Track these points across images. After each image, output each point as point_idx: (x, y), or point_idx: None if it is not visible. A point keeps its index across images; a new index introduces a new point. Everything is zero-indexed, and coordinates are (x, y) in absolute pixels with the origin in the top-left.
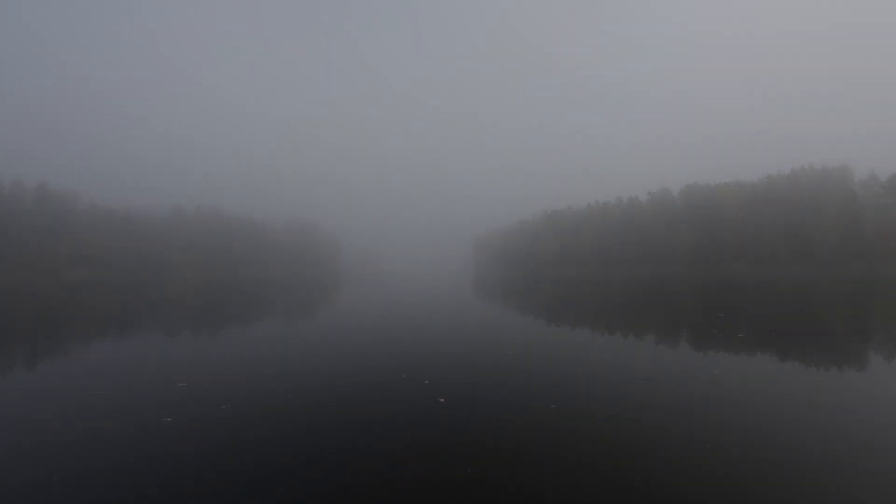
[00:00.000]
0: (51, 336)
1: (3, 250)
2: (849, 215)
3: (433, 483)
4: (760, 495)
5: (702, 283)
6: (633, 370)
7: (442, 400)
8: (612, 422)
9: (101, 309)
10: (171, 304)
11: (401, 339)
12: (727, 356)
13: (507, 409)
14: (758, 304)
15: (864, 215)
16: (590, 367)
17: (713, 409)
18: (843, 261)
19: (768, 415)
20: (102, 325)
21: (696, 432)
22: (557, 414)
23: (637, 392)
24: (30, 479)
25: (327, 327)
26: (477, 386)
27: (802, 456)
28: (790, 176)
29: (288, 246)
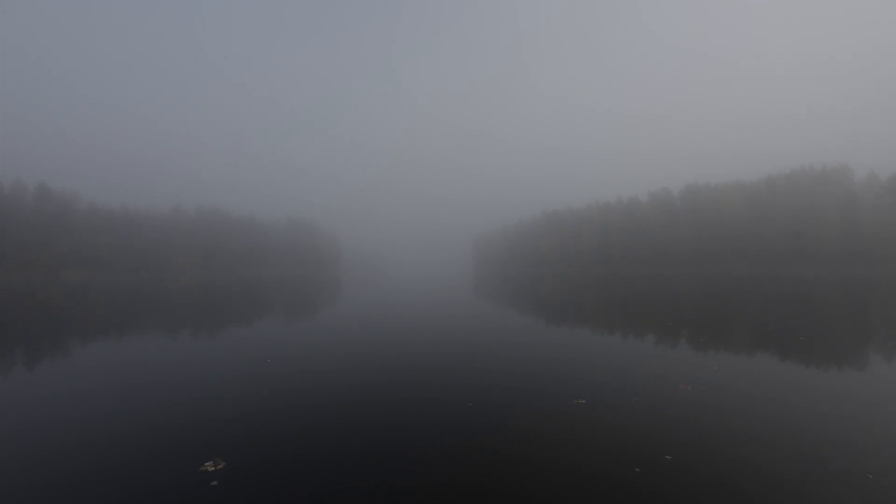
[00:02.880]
0: (47, 338)
1: (2, 250)
2: (849, 215)
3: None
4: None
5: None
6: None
7: (471, 404)
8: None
9: (101, 310)
10: (171, 305)
11: (403, 341)
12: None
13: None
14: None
15: (864, 215)
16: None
17: None
18: (843, 261)
19: None
20: (103, 327)
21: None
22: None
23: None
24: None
25: (336, 329)
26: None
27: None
28: (790, 176)
29: (288, 246)
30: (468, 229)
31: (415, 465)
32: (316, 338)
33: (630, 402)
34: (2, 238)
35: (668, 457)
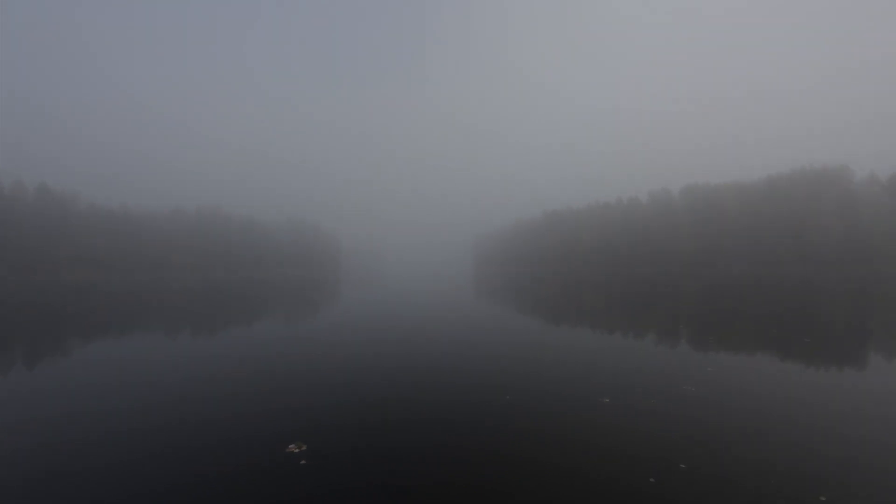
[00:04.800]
0: (42, 339)
1: (2, 251)
2: (849, 215)
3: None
4: None
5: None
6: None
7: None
8: None
9: (101, 310)
10: (171, 305)
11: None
12: None
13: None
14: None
15: (864, 215)
16: None
17: None
18: (844, 261)
19: None
20: (103, 327)
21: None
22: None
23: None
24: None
25: (336, 329)
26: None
27: None
28: (790, 176)
29: (288, 246)
30: (468, 229)
31: (415, 465)
32: (315, 339)
33: (641, 403)
34: (2, 239)
35: (682, 465)
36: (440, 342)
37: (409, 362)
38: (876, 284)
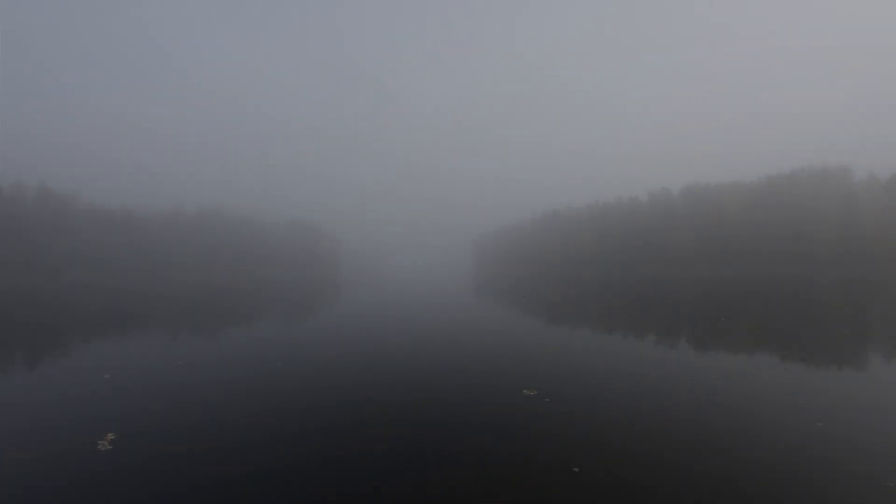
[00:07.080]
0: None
1: (2, 251)
2: (849, 215)
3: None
4: None
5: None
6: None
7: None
8: None
9: (100, 311)
10: (172, 306)
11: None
12: None
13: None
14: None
15: (864, 215)
16: None
17: None
18: (843, 261)
19: None
20: (102, 328)
21: None
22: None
23: None
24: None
25: (338, 331)
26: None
27: None
28: (790, 176)
29: (289, 247)
30: (467, 230)
31: (412, 470)
32: (314, 339)
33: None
34: (1, 239)
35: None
36: (443, 343)
37: (412, 362)
38: (877, 284)
